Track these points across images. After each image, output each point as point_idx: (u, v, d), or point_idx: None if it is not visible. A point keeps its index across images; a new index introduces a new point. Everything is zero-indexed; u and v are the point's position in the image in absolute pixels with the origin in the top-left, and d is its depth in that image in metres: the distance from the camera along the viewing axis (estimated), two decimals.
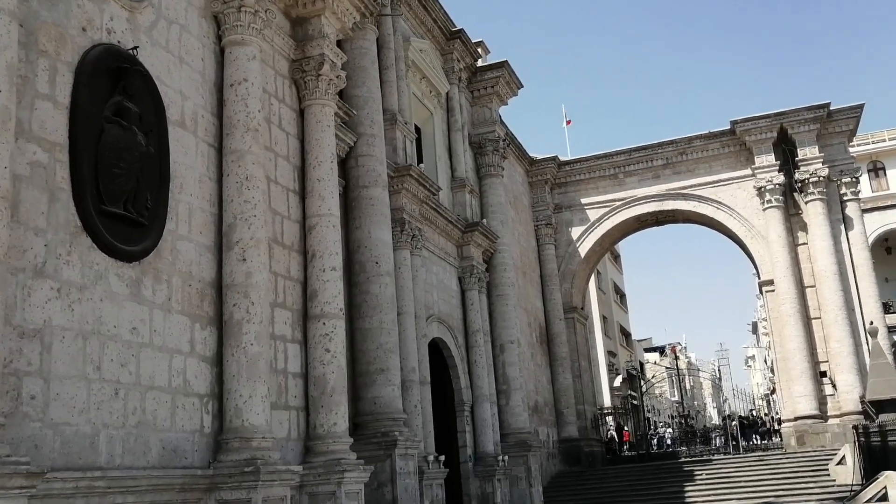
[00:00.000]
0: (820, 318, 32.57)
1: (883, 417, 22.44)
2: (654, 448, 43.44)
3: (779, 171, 33.10)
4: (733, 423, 39.76)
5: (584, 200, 36.88)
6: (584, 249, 36.73)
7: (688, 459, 34.67)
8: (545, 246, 36.67)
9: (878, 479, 19.00)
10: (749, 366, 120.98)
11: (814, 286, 32.84)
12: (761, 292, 36.39)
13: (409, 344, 19.68)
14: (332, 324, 11.54)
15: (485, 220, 27.14)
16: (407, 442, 17.09)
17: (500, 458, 25.07)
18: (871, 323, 28.35)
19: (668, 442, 46.11)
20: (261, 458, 9.39)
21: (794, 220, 33.31)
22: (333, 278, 11.70)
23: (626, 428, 48.22)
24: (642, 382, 59.68)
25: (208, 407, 9.67)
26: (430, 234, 23.47)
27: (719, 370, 42.98)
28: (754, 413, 59.15)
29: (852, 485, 25.39)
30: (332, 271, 11.72)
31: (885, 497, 18.66)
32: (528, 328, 33.24)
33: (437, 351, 24.11)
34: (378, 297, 17.74)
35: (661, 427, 57.39)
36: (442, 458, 20.26)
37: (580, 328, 38.04)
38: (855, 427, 27.30)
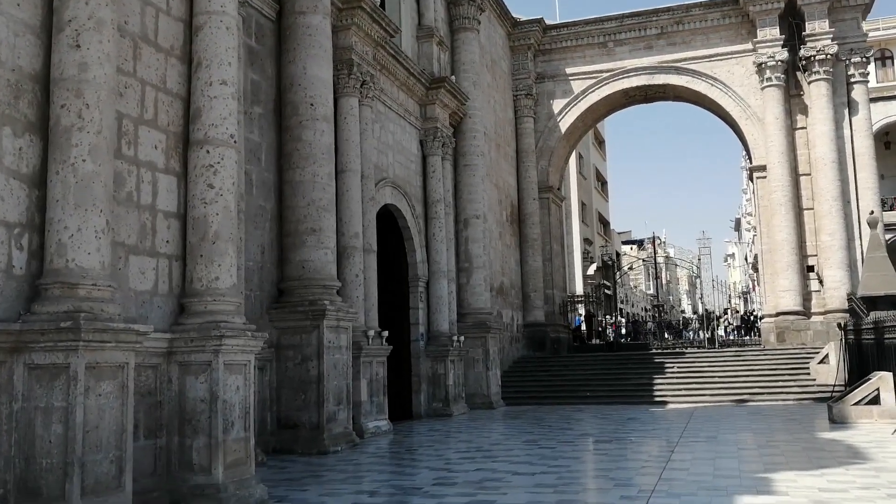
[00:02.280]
0: (812, 208, 30.31)
1: (877, 314, 20.36)
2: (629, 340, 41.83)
3: (783, 47, 30.14)
4: (720, 317, 38.03)
5: (569, 70, 33.81)
6: (565, 125, 33.91)
7: (659, 351, 32.92)
8: (523, 119, 33.79)
9: (869, 379, 17.02)
10: (728, 263, 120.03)
11: (809, 174, 30.44)
12: (752, 179, 33.93)
13: (352, 206, 17.17)
14: (219, 153, 8.95)
15: (453, 78, 24.22)
16: (338, 313, 14.78)
17: (456, 338, 23.01)
18: (872, 212, 26.07)
19: (623, 332, 44.14)
20: (88, 310, 6.96)
21: (793, 102, 30.57)
22: (224, 95, 9.04)
23: (611, 319, 46.61)
24: (617, 272, 57.86)
25: (22, 241, 7.14)
26: (387, 85, 20.62)
27: (699, 260, 41.12)
28: (730, 311, 57.80)
29: (834, 385, 23.58)
30: (223, 86, 9.04)
31: (876, 400, 16.73)
32: (499, 206, 30.78)
33: (390, 220, 21.65)
34: (312, 145, 15.11)
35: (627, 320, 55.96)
36: (385, 333, 18.06)
37: (555, 210, 35.62)
38: (841, 325, 25.38)
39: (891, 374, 16.66)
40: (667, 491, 9.38)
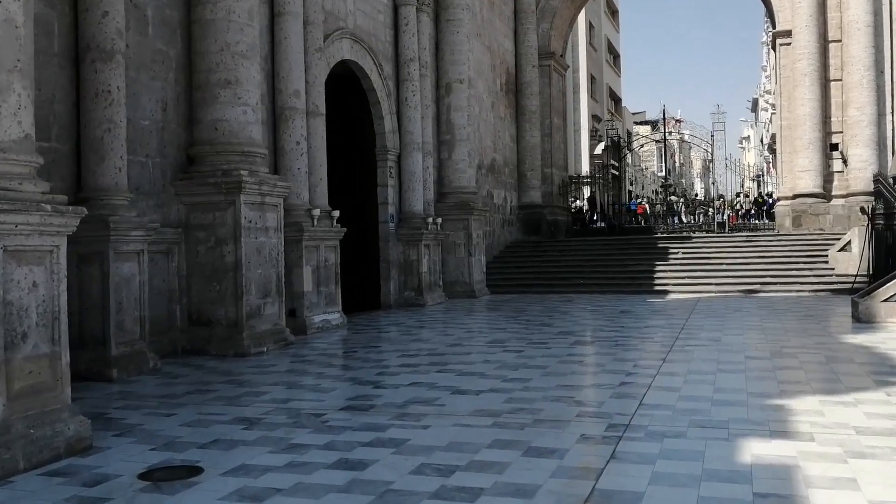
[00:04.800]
0: (841, 79, 27.04)
1: None
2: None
3: None
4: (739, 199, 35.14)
5: None
6: None
7: (664, 235, 30.26)
8: None
9: None
10: (742, 146, 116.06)
11: (839, 41, 27.03)
12: (774, 48, 30.41)
13: (290, 57, 14.21)
14: None
15: None
16: (262, 186, 12.06)
17: (432, 220, 20.36)
18: None
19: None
20: None
21: None
22: None
23: (640, 201, 43.87)
24: (627, 151, 54.57)
25: None
26: None
27: (712, 137, 37.81)
28: (742, 195, 54.83)
29: (856, 275, 20.97)
30: None
31: None
32: (492, 72, 27.56)
33: (352, 82, 18.66)
34: None
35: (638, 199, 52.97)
36: (336, 213, 15.39)
37: (557, 79, 32.33)
38: (864, 209, 22.55)
39: None
40: (646, 427, 6.84)
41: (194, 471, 5.84)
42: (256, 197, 12.01)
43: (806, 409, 7.46)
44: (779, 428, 6.76)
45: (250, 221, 11.89)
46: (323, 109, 15.30)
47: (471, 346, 12.36)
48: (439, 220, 20.92)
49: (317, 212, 14.52)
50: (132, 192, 10.67)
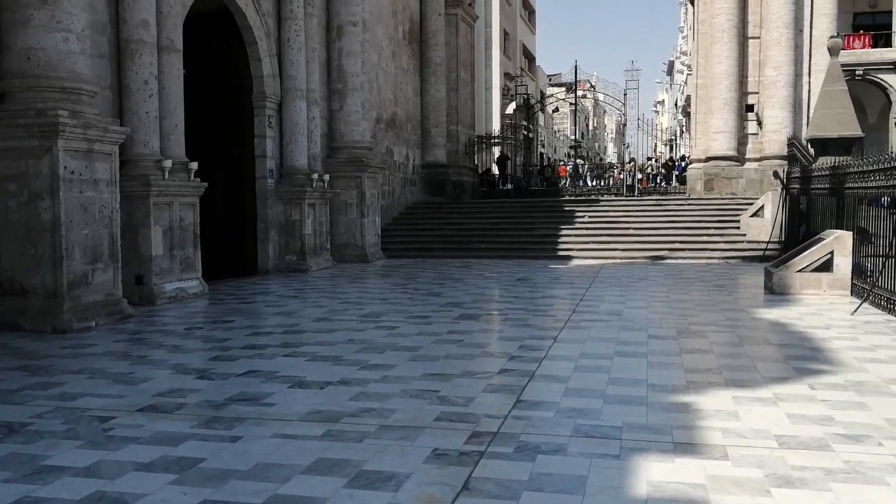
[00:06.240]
0: (759, 37, 26.11)
1: (826, 160, 16.55)
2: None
3: None
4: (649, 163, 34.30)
5: None
6: None
7: (571, 198, 29.01)
8: None
9: (822, 240, 13.20)
10: (657, 110, 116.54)
11: None
12: (693, 2, 29.30)
13: None
14: None
15: None
16: (89, 131, 10.05)
17: (318, 176, 18.52)
18: (835, 36, 21.91)
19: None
20: None
21: None
22: None
23: (562, 162, 42.45)
24: (539, 112, 53.31)
25: None
26: None
27: (625, 96, 36.76)
28: (654, 159, 54.29)
29: (768, 242, 20.07)
30: None
31: (827, 266, 12.97)
32: (393, 18, 25.64)
33: (226, 18, 16.59)
34: None
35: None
36: (193, 165, 13.42)
37: (465, 30, 30.59)
38: (778, 173, 21.71)
39: (850, 233, 12.87)
40: (518, 437, 5.32)
41: None
42: (81, 143, 10.00)
43: (717, 408, 6.06)
44: (684, 438, 5.32)
45: (72, 172, 9.89)
46: (180, 45, 13.24)
47: (339, 322, 10.68)
48: (326, 177, 19.07)
49: (168, 163, 12.53)
50: None
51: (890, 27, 33.22)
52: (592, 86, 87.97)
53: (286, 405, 6.24)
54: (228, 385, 6.96)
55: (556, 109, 67.61)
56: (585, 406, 6.14)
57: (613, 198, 29.10)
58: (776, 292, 13.20)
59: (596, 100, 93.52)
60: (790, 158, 22.99)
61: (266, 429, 5.60)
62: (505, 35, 48.97)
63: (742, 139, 26.36)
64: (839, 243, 12.81)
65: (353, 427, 5.61)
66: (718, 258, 20.55)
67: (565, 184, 35.79)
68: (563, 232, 23.08)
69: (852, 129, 17.59)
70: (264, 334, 9.63)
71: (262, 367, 7.71)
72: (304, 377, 7.23)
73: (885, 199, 11.86)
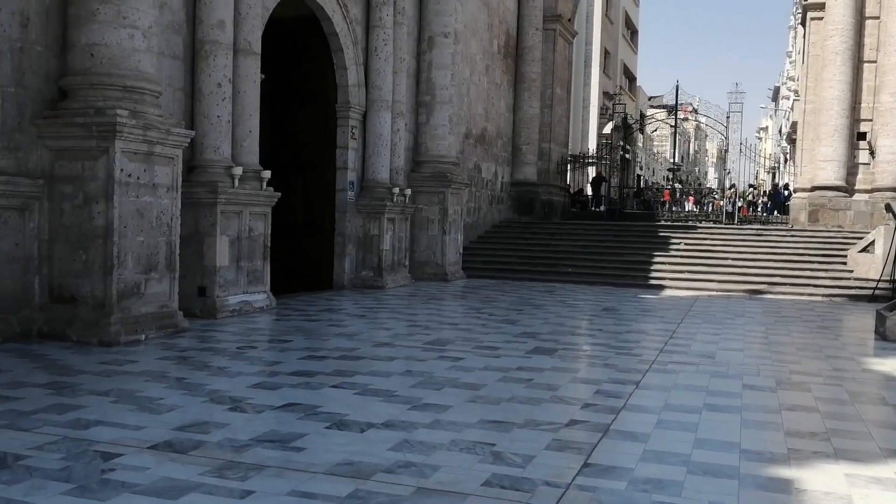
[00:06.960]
0: (875, 61, 24.33)
1: None
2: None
3: None
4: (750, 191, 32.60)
5: None
6: None
7: (667, 223, 27.68)
8: None
9: None
10: (759, 137, 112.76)
11: (878, 17, 24.30)
12: (804, 22, 27.67)
13: None
14: None
15: None
16: (149, 132, 9.56)
17: (399, 190, 17.86)
18: None
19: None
20: None
21: None
22: None
23: (666, 187, 41.04)
24: (638, 133, 51.72)
25: None
26: None
27: (727, 119, 35.10)
28: (755, 186, 52.05)
29: (878, 281, 18.45)
30: None
31: None
32: (488, 31, 24.92)
33: (311, 25, 16.13)
34: None
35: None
36: (266, 174, 12.87)
37: (563, 46, 29.61)
38: (891, 207, 20.00)
39: None
40: None
41: None
42: (141, 145, 9.51)
43: (826, 489, 4.99)
44: None
45: (129, 175, 9.41)
46: (258, 48, 12.75)
47: (401, 348, 9.89)
48: (408, 192, 18.42)
49: (238, 170, 12.01)
50: None
51: None
52: (694, 109, 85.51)
53: (316, 452, 5.45)
54: (260, 420, 6.22)
55: (655, 130, 65.82)
56: (664, 475, 5.15)
57: (712, 225, 27.64)
58: (889, 339, 11.82)
59: (698, 123, 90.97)
60: None
61: (285, 482, 4.81)
62: (605, 53, 47.77)
63: (852, 169, 24.61)
64: None
65: (385, 488, 4.77)
66: (822, 295, 19.00)
67: (662, 208, 34.38)
68: (657, 259, 21.84)
69: None
70: (318, 359, 8.90)
71: (304, 399, 6.96)
72: (345, 416, 6.44)
73: None
